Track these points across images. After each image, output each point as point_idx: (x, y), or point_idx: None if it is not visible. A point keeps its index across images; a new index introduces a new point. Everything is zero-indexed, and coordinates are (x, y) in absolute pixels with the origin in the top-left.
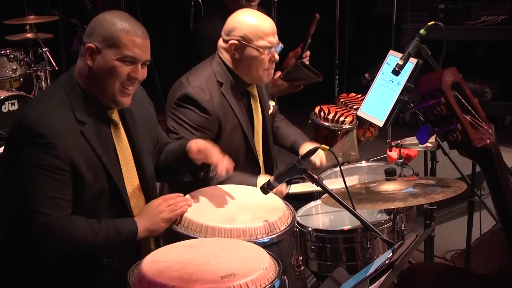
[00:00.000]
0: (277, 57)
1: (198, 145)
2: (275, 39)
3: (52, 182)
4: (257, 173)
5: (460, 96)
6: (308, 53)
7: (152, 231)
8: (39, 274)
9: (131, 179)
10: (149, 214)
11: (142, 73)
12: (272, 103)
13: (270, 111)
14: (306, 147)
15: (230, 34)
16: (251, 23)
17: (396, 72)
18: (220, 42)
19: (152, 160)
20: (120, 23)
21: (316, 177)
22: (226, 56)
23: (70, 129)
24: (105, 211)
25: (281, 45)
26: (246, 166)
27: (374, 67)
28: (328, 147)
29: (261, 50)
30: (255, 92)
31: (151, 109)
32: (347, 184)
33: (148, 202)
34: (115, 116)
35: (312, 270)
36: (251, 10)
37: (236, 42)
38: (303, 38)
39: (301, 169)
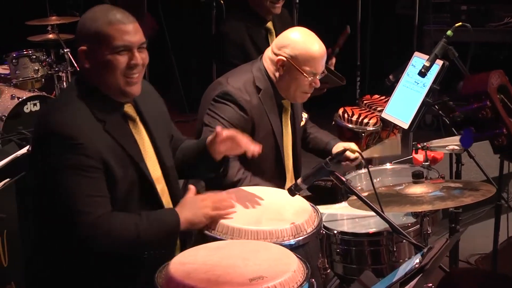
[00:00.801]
0: (318, 83)
1: (226, 132)
2: (322, 67)
3: (89, 181)
4: (282, 185)
5: (506, 100)
6: (333, 60)
7: (194, 223)
8: (76, 275)
9: (154, 172)
10: (192, 207)
11: (141, 57)
12: (304, 115)
13: (302, 123)
14: (339, 147)
15: (281, 50)
16: (305, 46)
17: (423, 74)
18: (268, 52)
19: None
20: (101, 17)
21: (343, 179)
22: (270, 67)
23: (94, 128)
24: (137, 205)
25: (325, 73)
26: (273, 177)
27: (398, 68)
28: (356, 150)
29: (306, 75)
30: (288, 107)
31: (162, 104)
32: (371, 187)
33: (171, 194)
34: (131, 111)
35: (337, 272)
36: (307, 31)
37: (284, 59)
38: (332, 45)
39: (329, 171)
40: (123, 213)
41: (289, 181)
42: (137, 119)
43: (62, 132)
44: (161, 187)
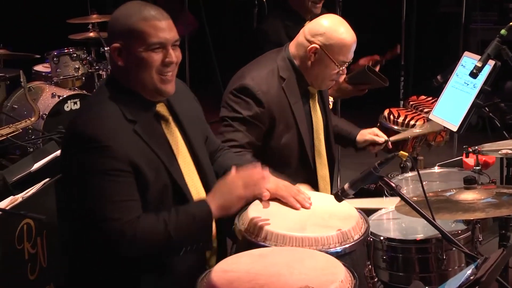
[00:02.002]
0: (345, 72)
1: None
2: (352, 56)
3: (116, 185)
4: (309, 177)
5: None
6: (377, 68)
7: (227, 208)
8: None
9: (190, 175)
10: (222, 191)
11: (175, 55)
12: (330, 99)
13: (330, 107)
14: (364, 134)
15: (315, 37)
16: (340, 36)
17: (474, 74)
18: (299, 38)
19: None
20: (135, 14)
21: (393, 185)
22: (299, 53)
23: (122, 129)
24: (170, 208)
25: (351, 60)
26: (298, 169)
27: (446, 69)
28: (407, 154)
29: (337, 64)
30: (315, 92)
31: (198, 105)
32: (417, 192)
33: (188, 204)
34: (164, 111)
35: (382, 280)
36: (341, 19)
37: (317, 46)
38: (380, 53)
39: (378, 176)
40: (151, 214)
41: (322, 167)
42: (170, 119)
43: (88, 134)
44: (197, 191)
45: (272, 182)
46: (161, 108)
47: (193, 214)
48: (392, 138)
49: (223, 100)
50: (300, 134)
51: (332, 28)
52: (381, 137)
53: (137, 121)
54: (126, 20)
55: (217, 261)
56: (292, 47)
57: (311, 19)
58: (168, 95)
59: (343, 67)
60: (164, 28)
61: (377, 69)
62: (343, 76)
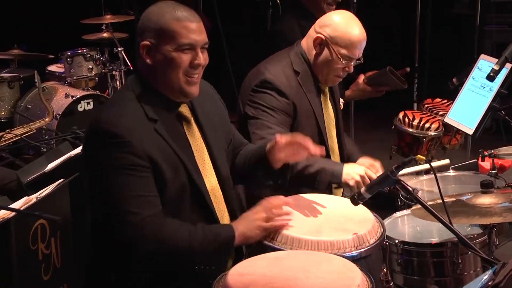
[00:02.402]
0: (352, 69)
1: (286, 138)
2: (358, 53)
3: (136, 180)
4: None
5: None
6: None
7: (248, 237)
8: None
9: (208, 177)
10: (246, 220)
11: (203, 58)
12: (341, 101)
13: (341, 107)
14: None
15: (322, 28)
16: (345, 30)
17: (491, 77)
18: (310, 31)
19: (227, 158)
20: (168, 13)
21: (410, 189)
22: (308, 45)
23: (143, 127)
24: (188, 210)
25: (361, 60)
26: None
27: (462, 72)
28: (424, 157)
29: (340, 57)
30: (326, 89)
31: (222, 106)
32: (433, 195)
33: (226, 201)
34: (186, 111)
35: (397, 283)
36: (351, 15)
37: (322, 37)
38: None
39: (395, 180)
40: (177, 220)
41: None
42: (192, 121)
43: (109, 130)
44: (215, 192)
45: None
46: (184, 109)
47: (218, 233)
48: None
49: (244, 99)
50: (319, 125)
51: (340, 21)
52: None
53: (158, 120)
54: (158, 19)
55: (233, 264)
56: (304, 41)
57: None
58: (192, 97)
59: (349, 64)
60: (195, 30)
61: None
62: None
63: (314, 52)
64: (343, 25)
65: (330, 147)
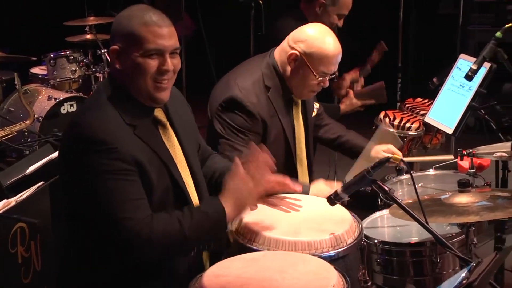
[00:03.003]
0: (327, 84)
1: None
2: (335, 68)
3: (126, 185)
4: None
5: None
6: (361, 81)
7: (240, 206)
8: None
9: (186, 179)
10: (232, 190)
11: (172, 63)
12: (316, 105)
13: (314, 114)
14: (378, 151)
15: (297, 44)
16: (321, 45)
17: (469, 77)
18: (284, 44)
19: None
20: (136, 17)
21: (387, 188)
22: (281, 58)
23: (125, 132)
24: (172, 210)
25: (336, 75)
26: (283, 172)
27: (442, 71)
28: (399, 157)
29: (316, 75)
30: (298, 100)
31: (190, 111)
32: (412, 194)
33: (201, 203)
34: (161, 116)
35: (377, 283)
36: (326, 29)
37: (297, 53)
38: (363, 60)
39: (371, 180)
40: (164, 213)
41: (303, 175)
42: (167, 125)
43: (94, 136)
44: (192, 195)
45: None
46: (159, 113)
47: (207, 213)
48: (407, 159)
49: (212, 111)
50: (288, 142)
51: (314, 36)
52: (397, 155)
53: (137, 125)
54: (127, 23)
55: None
56: (277, 52)
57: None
58: (162, 103)
59: (324, 79)
60: (164, 35)
61: (362, 81)
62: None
63: (288, 67)
64: (319, 40)
65: (299, 158)
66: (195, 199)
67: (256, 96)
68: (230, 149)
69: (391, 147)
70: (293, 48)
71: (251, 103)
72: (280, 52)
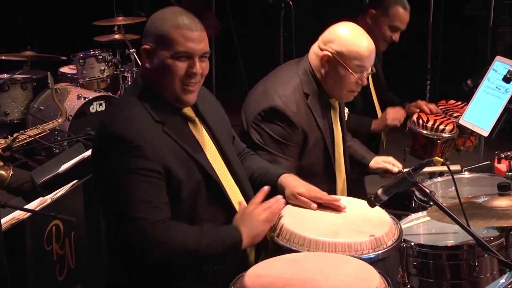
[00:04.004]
0: (365, 82)
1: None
2: (370, 63)
3: (146, 186)
4: (331, 188)
5: None
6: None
7: (255, 235)
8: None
9: (222, 172)
10: (246, 221)
11: (201, 67)
12: (346, 111)
13: (346, 118)
14: (378, 162)
15: (327, 45)
16: (353, 42)
17: (508, 79)
18: (315, 47)
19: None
20: (169, 19)
21: (428, 191)
22: (315, 63)
23: (152, 130)
24: (206, 204)
25: (374, 70)
26: (323, 179)
27: (476, 73)
28: (442, 160)
29: (352, 72)
30: (336, 104)
31: (220, 107)
32: (447, 197)
33: (243, 193)
34: (190, 112)
35: (413, 286)
36: (355, 26)
37: (329, 55)
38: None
39: (412, 181)
40: (183, 224)
41: (341, 180)
42: (197, 120)
43: (121, 134)
44: (230, 186)
45: (302, 186)
46: (187, 110)
47: (224, 236)
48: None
49: (249, 120)
50: (327, 148)
51: (344, 34)
52: (396, 167)
53: (165, 122)
54: (160, 24)
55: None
56: (311, 57)
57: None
58: (188, 105)
59: (362, 76)
60: (194, 39)
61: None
62: (359, 89)
63: (323, 70)
64: (349, 38)
65: (337, 164)
66: (233, 191)
67: (296, 104)
68: (268, 159)
69: (391, 158)
70: (324, 50)
71: (292, 113)
72: (313, 57)
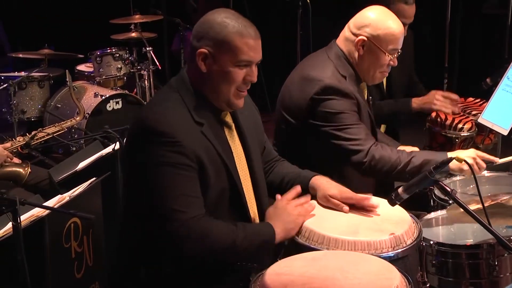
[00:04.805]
0: (396, 62)
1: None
2: (401, 44)
3: (185, 180)
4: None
5: None
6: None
7: (289, 230)
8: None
9: (245, 182)
10: (279, 215)
11: (256, 74)
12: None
13: None
14: None
15: (361, 29)
16: (386, 25)
17: None
18: (346, 33)
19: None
20: (231, 25)
21: (449, 189)
22: (348, 48)
23: (191, 129)
24: (226, 212)
25: (400, 52)
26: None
27: (495, 71)
28: (463, 158)
29: (387, 54)
30: (366, 91)
31: (257, 114)
32: (466, 196)
33: (259, 208)
34: (228, 118)
35: (431, 285)
36: (384, 9)
37: (365, 39)
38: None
39: (433, 180)
40: (219, 221)
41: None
42: (233, 127)
43: (160, 129)
44: (250, 199)
45: (334, 187)
46: (226, 115)
47: (258, 232)
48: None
49: (302, 110)
50: (372, 122)
51: (378, 18)
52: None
53: (204, 124)
54: (221, 29)
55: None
56: (341, 44)
57: None
58: (237, 109)
59: (394, 58)
60: (255, 47)
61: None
62: (389, 71)
63: (356, 54)
64: (382, 21)
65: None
66: (251, 202)
67: (341, 81)
68: (341, 137)
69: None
70: (358, 35)
71: (342, 86)
72: (344, 42)
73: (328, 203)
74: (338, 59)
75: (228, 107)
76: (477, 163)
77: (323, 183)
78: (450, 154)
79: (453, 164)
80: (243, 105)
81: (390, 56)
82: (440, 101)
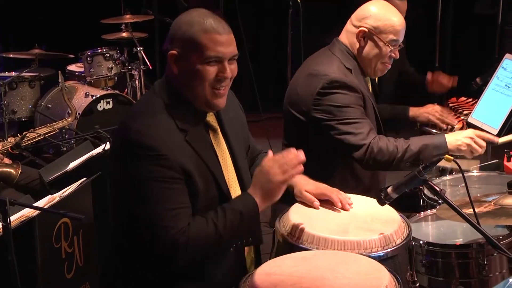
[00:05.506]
0: (397, 55)
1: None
2: (402, 37)
3: (171, 193)
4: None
5: None
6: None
7: (270, 196)
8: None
9: (233, 185)
10: (261, 181)
11: (231, 69)
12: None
13: None
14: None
15: (362, 21)
16: (386, 17)
17: None
18: (348, 27)
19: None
20: (197, 24)
21: (438, 189)
22: (350, 40)
23: (176, 139)
24: None
25: (402, 45)
26: None
27: (485, 71)
28: (452, 158)
29: (387, 44)
30: (370, 84)
31: (242, 112)
32: (456, 196)
33: (232, 200)
34: (213, 121)
35: (421, 284)
36: (385, 3)
37: (365, 30)
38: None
39: (423, 180)
40: (198, 217)
41: None
42: (218, 130)
43: (144, 142)
44: None
45: (311, 184)
46: (210, 118)
47: (240, 210)
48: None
49: (308, 105)
50: (378, 118)
51: (379, 10)
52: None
53: (188, 131)
54: (187, 29)
55: (256, 265)
56: (343, 38)
57: None
58: (218, 109)
59: (395, 49)
60: (223, 42)
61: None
62: (391, 63)
63: (357, 45)
64: (383, 12)
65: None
66: None
67: (346, 75)
68: (347, 131)
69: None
70: (360, 26)
71: (347, 79)
72: (347, 35)
73: (301, 198)
74: (342, 53)
75: (208, 108)
76: (475, 142)
77: (300, 180)
78: (447, 136)
79: (451, 145)
80: (227, 106)
81: (390, 47)
82: (437, 117)
